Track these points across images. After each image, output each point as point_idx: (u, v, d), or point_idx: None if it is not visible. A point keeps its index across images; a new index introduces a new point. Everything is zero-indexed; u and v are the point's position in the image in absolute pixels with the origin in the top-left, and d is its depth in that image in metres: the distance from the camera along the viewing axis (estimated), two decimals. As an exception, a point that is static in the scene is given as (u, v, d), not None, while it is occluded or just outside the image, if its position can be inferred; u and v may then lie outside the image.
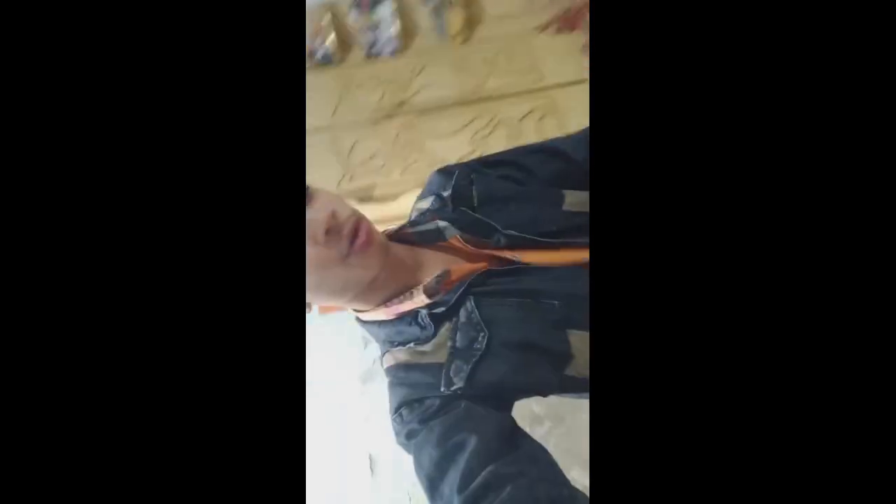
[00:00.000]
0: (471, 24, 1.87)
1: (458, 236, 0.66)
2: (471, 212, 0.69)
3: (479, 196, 0.71)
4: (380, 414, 1.66)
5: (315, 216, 0.56)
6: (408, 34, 1.89)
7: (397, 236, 0.70)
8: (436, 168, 0.78)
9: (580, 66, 1.78)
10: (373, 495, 1.58)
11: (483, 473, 0.52)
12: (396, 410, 0.63)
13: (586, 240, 0.67)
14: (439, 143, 1.74)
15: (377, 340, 0.71)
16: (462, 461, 0.53)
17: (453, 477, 0.53)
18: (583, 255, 0.66)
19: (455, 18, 1.81)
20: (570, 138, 0.82)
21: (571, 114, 1.67)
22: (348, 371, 1.72)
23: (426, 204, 0.75)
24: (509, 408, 0.63)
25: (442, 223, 0.67)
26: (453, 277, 0.64)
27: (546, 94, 1.74)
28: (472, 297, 0.63)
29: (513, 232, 0.66)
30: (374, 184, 1.74)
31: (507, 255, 0.65)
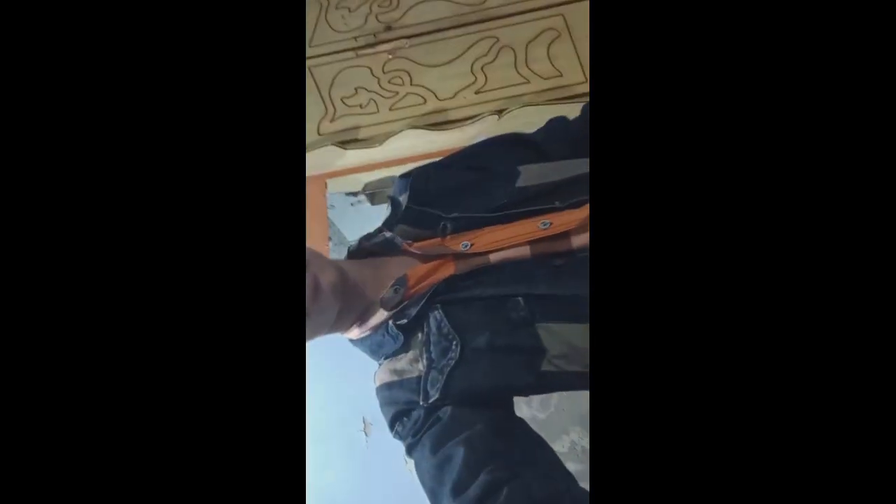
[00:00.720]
0: (469, -74, 1.57)
1: (406, 243, 0.67)
2: (415, 206, 0.70)
3: (434, 192, 0.73)
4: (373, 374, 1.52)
5: None
6: (394, -60, 1.60)
7: (359, 251, 0.72)
8: (430, 105, 0.79)
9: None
10: (367, 458, 1.47)
11: (476, 482, 0.53)
12: (392, 428, 0.65)
13: (536, 207, 0.67)
14: (434, 72, 1.49)
15: (369, 356, 0.71)
16: (454, 471, 0.54)
17: (448, 487, 0.54)
18: (533, 227, 0.65)
19: (450, -81, 1.51)
20: (536, 131, 0.84)
21: (587, 36, 1.41)
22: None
23: (386, 211, 0.77)
24: (501, 405, 0.64)
25: (388, 234, 0.69)
26: (411, 283, 0.65)
27: (558, 11, 1.47)
28: (439, 307, 0.64)
29: (456, 214, 0.68)
30: (358, 124, 1.50)
31: (458, 243, 0.65)
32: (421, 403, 0.61)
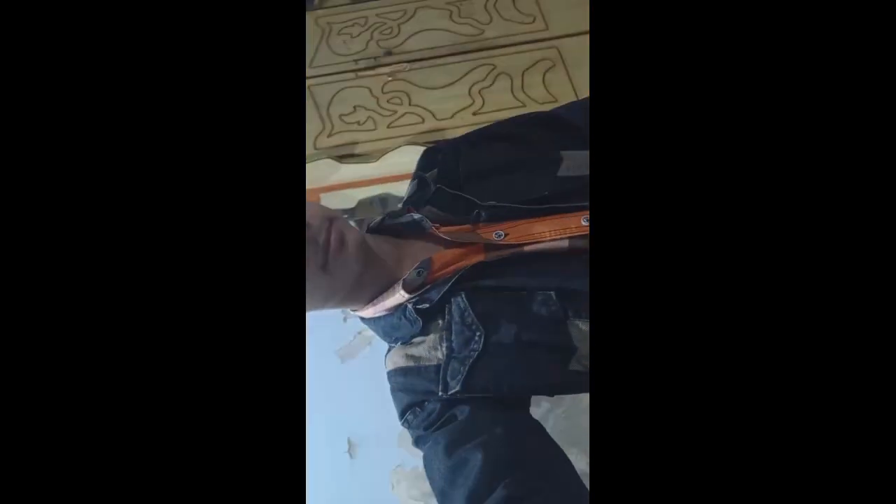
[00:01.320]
0: (468, -34, 1.66)
1: (434, 226, 0.63)
2: (448, 189, 0.66)
3: (465, 172, 0.68)
4: (359, 393, 1.44)
5: None
6: (397, -25, 1.68)
7: (380, 228, 0.69)
8: (428, 124, 0.75)
9: (589, 16, 1.59)
10: (352, 480, 1.37)
11: (493, 496, 0.50)
12: (402, 416, 0.62)
13: (581, 203, 0.62)
14: (433, 94, 1.53)
15: (380, 337, 0.69)
16: (470, 478, 0.52)
17: (463, 494, 0.52)
18: (575, 222, 0.61)
19: (451, -41, 1.61)
20: (569, 105, 0.80)
21: (583, 67, 1.48)
22: (325, 346, 1.50)
23: (411, 188, 0.73)
24: (521, 406, 0.61)
25: (417, 215, 0.64)
26: (436, 267, 0.62)
27: (552, 44, 1.55)
28: (463, 294, 0.60)
29: (493, 203, 0.63)
30: (356, 140, 1.51)
31: (491, 232, 0.62)
32: (440, 394, 0.58)
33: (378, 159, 1.48)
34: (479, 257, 0.62)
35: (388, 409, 0.67)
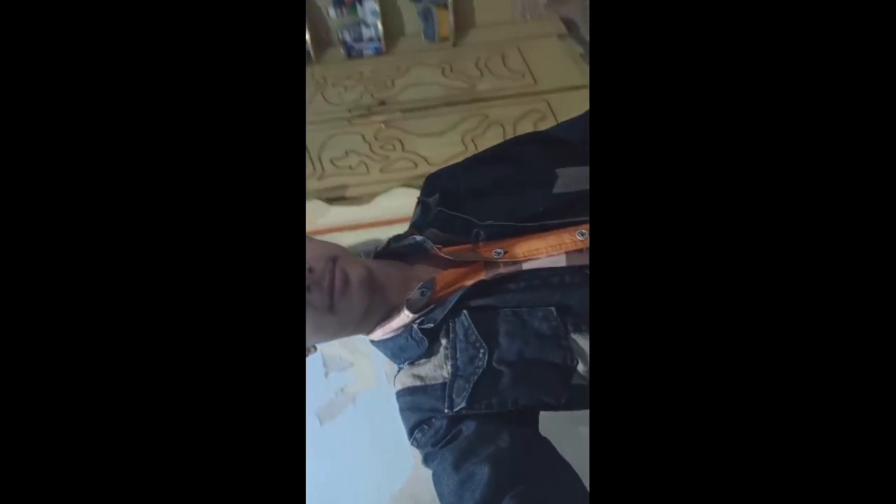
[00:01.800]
0: (461, 29, 1.75)
1: (436, 247, 0.65)
2: (448, 211, 0.68)
3: (465, 192, 0.70)
4: (340, 459, 1.30)
5: None
6: (392, 36, 1.75)
7: (385, 253, 0.70)
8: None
9: (578, 72, 1.66)
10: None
11: None
12: (411, 435, 0.63)
13: (575, 218, 0.64)
14: (426, 140, 1.54)
15: (389, 359, 0.69)
16: (478, 491, 0.52)
17: (470, 502, 0.53)
18: (570, 237, 0.63)
19: (445, 21, 1.69)
20: (562, 124, 0.82)
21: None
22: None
23: (415, 214, 0.75)
24: (528, 421, 0.61)
25: (419, 237, 0.66)
26: (439, 286, 0.63)
27: (542, 98, 1.60)
28: (466, 313, 0.61)
29: (491, 221, 0.64)
30: (346, 184, 1.49)
31: (490, 251, 0.63)
32: (445, 411, 0.58)
33: (369, 202, 1.45)
34: (480, 276, 0.63)
35: (376, 480, 0.62)
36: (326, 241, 0.66)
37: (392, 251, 0.70)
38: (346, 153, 1.54)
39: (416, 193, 1.42)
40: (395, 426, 0.71)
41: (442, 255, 0.64)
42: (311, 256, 0.60)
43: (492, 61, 1.68)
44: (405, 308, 0.62)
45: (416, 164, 1.51)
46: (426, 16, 1.69)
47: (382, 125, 1.57)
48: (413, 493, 1.36)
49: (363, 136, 1.56)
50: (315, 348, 0.68)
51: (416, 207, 0.76)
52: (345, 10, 1.67)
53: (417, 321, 0.62)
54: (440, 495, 0.57)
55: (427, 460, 0.61)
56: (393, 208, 1.46)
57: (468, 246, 0.65)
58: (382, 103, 1.62)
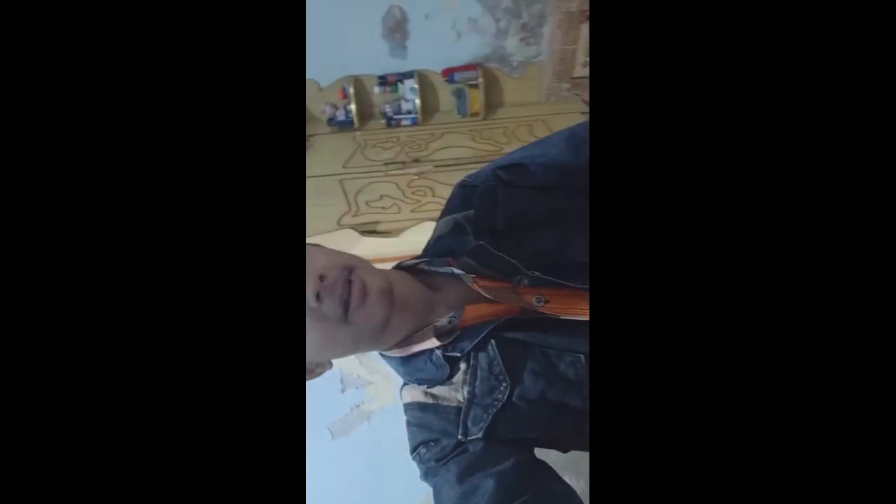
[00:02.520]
0: (491, 107, 1.94)
1: (475, 285, 0.62)
2: (491, 247, 0.64)
3: (504, 219, 0.67)
4: (352, 477, 1.21)
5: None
6: (428, 111, 1.94)
7: (413, 272, 0.67)
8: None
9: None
10: None
11: None
12: (414, 450, 0.62)
13: None
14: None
15: (397, 373, 0.67)
16: (483, 501, 0.52)
17: None
18: None
19: (476, 99, 1.88)
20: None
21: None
22: (315, 419, 1.30)
23: (445, 228, 0.71)
24: (531, 448, 0.60)
25: (458, 271, 0.63)
26: (468, 317, 0.61)
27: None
28: (493, 343, 0.59)
29: (537, 274, 0.62)
30: (379, 220, 1.56)
31: (531, 297, 0.62)
32: (459, 437, 0.58)
33: (398, 235, 1.51)
34: (514, 313, 0.62)
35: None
36: (344, 252, 0.63)
37: (422, 272, 0.66)
38: (381, 197, 1.63)
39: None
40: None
41: (478, 289, 0.62)
42: (325, 265, 0.58)
43: (519, 130, 1.83)
44: (432, 334, 0.61)
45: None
46: (459, 94, 1.89)
47: (416, 176, 1.69)
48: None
49: (397, 185, 1.67)
50: (330, 364, 0.65)
51: (439, 219, 0.73)
52: (388, 89, 1.89)
53: (441, 347, 0.60)
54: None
55: (427, 475, 0.60)
56: (420, 242, 1.50)
57: (508, 286, 0.63)
58: (416, 160, 1.75)
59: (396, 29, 1.84)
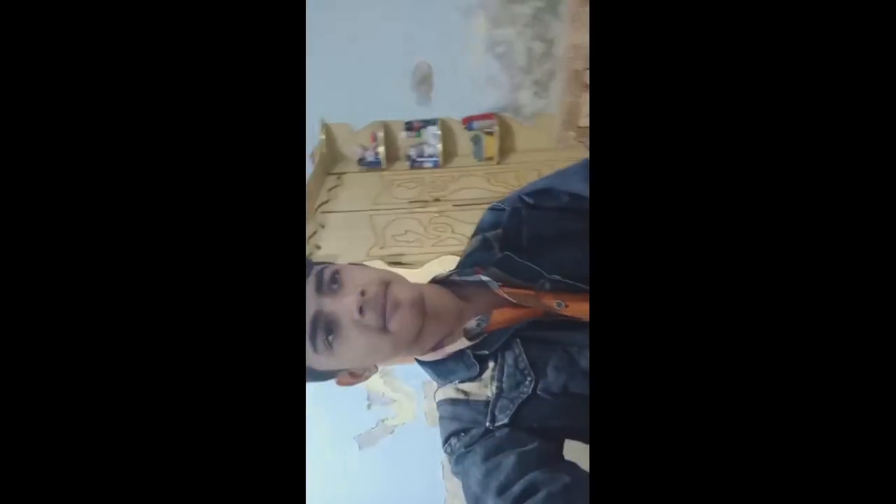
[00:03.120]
0: (504, 152, 2.15)
1: (501, 291, 0.68)
2: (517, 257, 0.71)
3: (529, 236, 0.74)
4: (376, 480, 1.37)
5: (345, 299, 0.62)
6: (448, 154, 2.15)
7: (446, 282, 0.73)
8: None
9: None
10: None
11: (521, 480, 0.55)
12: (446, 441, 0.66)
13: None
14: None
15: (432, 378, 0.73)
16: (502, 475, 0.56)
17: (494, 488, 0.56)
18: None
19: (492, 145, 2.09)
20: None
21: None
22: (345, 431, 1.47)
23: (475, 245, 0.79)
24: (556, 440, 0.64)
25: (485, 278, 0.69)
26: (495, 320, 0.67)
27: (571, 203, 1.90)
28: (518, 340, 0.65)
29: (557, 277, 0.68)
30: (404, 252, 1.76)
31: (553, 301, 0.68)
32: (487, 425, 0.63)
33: (421, 267, 1.71)
34: (537, 315, 0.67)
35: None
36: (383, 269, 0.70)
37: (453, 283, 0.72)
38: (406, 231, 1.83)
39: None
40: (431, 460, 0.78)
41: (503, 295, 0.67)
42: (365, 281, 0.63)
43: (529, 174, 2.04)
44: (462, 335, 0.66)
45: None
46: (476, 140, 2.11)
47: (437, 214, 1.89)
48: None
49: (419, 221, 1.87)
50: (376, 368, 0.71)
51: (471, 238, 0.81)
52: (413, 134, 2.11)
53: (471, 347, 0.66)
54: (466, 487, 0.61)
55: (457, 463, 0.63)
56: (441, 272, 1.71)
57: (531, 292, 0.68)
58: (437, 200, 1.96)
59: (423, 81, 2.07)
